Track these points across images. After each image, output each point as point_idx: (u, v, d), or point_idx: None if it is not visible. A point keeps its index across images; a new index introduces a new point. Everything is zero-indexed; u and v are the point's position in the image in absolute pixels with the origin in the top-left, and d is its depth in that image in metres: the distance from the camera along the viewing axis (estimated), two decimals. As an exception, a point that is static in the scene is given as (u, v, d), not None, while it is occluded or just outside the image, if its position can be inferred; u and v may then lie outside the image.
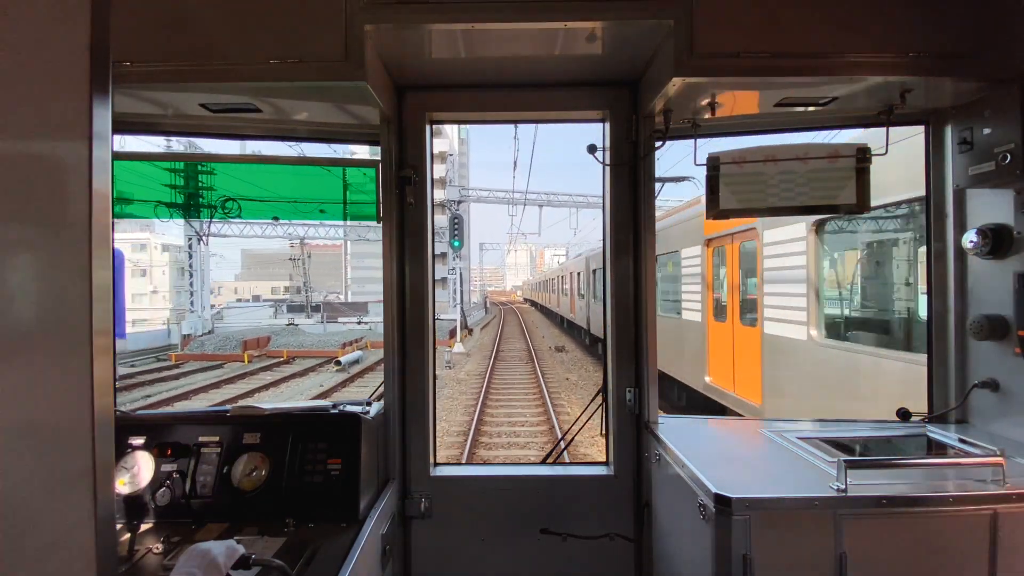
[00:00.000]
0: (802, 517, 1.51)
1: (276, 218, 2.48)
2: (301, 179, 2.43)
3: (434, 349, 2.51)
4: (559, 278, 31.00)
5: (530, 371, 16.04)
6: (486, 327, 35.33)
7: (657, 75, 2.00)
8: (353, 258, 70.28)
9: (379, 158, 2.32)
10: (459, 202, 28.45)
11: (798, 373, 5.70)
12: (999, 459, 1.59)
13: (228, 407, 2.08)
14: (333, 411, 2.04)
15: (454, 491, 2.40)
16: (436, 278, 2.65)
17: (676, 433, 2.15)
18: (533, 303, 61.74)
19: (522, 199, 32.60)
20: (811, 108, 2.13)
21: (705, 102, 2.06)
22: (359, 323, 34.53)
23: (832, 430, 2.23)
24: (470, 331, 29.26)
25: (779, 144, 2.09)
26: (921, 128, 2.26)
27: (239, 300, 63.95)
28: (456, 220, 19.80)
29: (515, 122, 2.60)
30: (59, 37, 0.68)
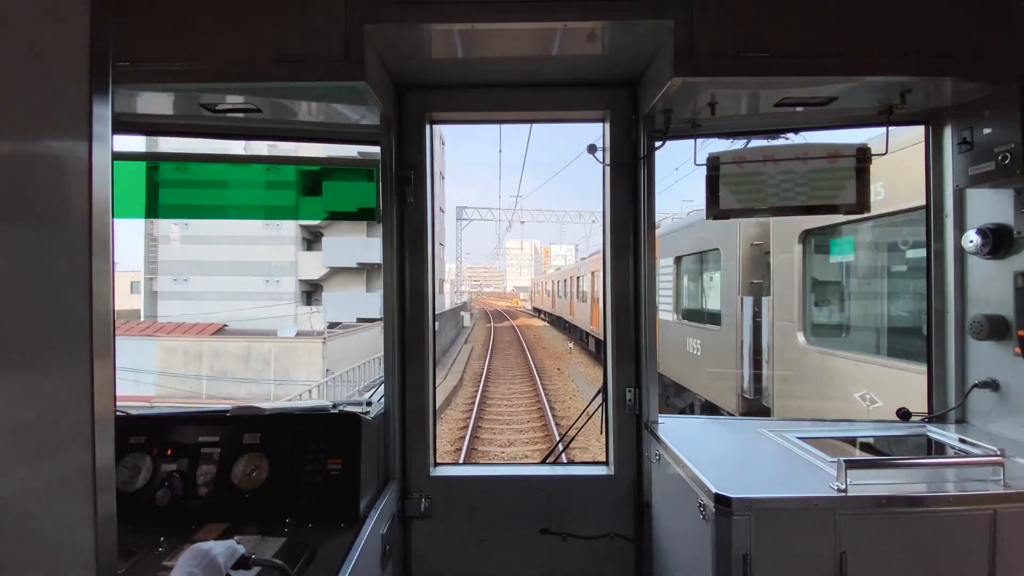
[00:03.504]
0: (802, 517, 1.51)
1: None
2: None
3: (434, 348, 2.51)
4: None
5: None
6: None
7: (657, 75, 2.00)
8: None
9: (379, 158, 2.32)
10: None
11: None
12: (999, 459, 1.59)
13: (228, 407, 2.08)
14: (333, 411, 2.04)
15: (454, 491, 2.40)
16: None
17: (676, 433, 2.15)
18: (551, 317, 34.70)
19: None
20: (811, 108, 2.13)
21: (705, 102, 2.05)
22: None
23: (832, 430, 2.23)
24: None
25: (779, 144, 2.10)
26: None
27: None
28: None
29: (515, 122, 2.60)
30: (59, 37, 0.67)
